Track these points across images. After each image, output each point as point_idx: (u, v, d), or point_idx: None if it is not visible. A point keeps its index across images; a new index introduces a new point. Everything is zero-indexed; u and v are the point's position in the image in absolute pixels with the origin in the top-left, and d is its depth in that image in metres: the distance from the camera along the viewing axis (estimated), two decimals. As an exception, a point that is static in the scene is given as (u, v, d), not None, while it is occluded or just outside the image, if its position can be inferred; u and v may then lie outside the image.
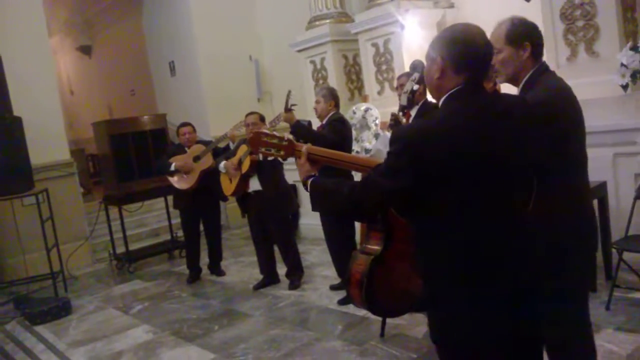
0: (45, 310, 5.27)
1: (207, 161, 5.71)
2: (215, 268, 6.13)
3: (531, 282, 1.77)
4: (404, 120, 3.69)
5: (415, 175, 1.66)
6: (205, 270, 6.15)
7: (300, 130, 4.57)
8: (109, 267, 7.18)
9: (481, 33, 1.76)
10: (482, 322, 1.70)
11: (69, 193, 7.18)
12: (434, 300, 1.81)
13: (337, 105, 4.76)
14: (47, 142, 6.92)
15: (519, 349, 1.77)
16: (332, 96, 4.73)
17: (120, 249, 7.04)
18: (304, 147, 2.17)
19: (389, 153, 1.76)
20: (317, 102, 4.77)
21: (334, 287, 4.97)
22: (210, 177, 5.69)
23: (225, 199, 5.99)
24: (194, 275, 6.02)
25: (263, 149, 2.24)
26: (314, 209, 2.06)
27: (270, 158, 2.23)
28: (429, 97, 4.33)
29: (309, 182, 2.05)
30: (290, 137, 2.30)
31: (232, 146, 5.62)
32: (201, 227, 6.13)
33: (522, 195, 1.78)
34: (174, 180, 5.79)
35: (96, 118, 9.97)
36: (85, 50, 13.25)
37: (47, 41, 7.45)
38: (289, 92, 4.75)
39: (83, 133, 12.40)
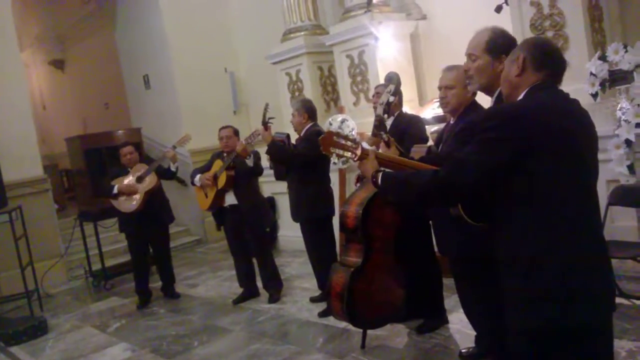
0: (21, 330, 5.15)
1: (152, 181, 5.51)
2: (169, 290, 5.90)
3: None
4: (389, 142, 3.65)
5: (514, 149, 1.75)
6: (157, 293, 5.93)
7: (275, 151, 4.59)
8: (85, 284, 7.07)
9: (556, 45, 2.03)
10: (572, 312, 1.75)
11: (43, 210, 7.05)
12: (521, 295, 1.82)
13: (311, 118, 4.72)
14: (20, 158, 6.81)
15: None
16: (304, 109, 4.70)
17: (97, 266, 6.92)
18: (371, 149, 2.30)
19: (481, 131, 1.83)
20: (292, 115, 4.78)
21: (314, 299, 4.96)
22: (155, 198, 5.59)
23: (171, 220, 5.93)
24: (144, 300, 5.75)
25: (336, 150, 2.28)
26: (387, 198, 2.18)
27: (342, 160, 2.28)
28: (404, 109, 4.41)
29: (380, 174, 2.13)
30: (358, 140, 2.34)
31: (172, 167, 5.60)
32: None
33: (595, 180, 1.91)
34: (118, 204, 5.53)
35: (70, 133, 9.88)
36: (58, 64, 13.08)
37: (18, 55, 7.35)
38: (267, 105, 4.76)
39: (56, 148, 12.24)
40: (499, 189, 1.82)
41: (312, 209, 4.63)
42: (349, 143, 2.29)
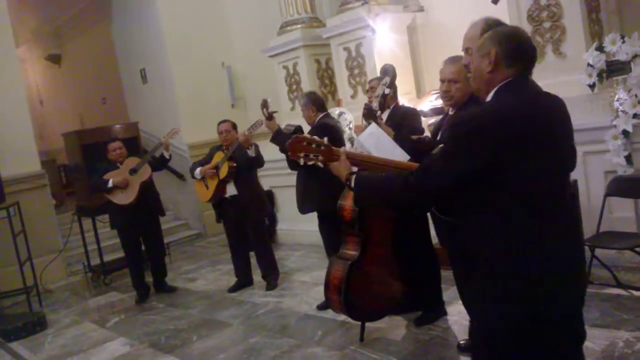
0: (20, 326, 5.15)
1: (146, 172, 5.55)
2: (162, 285, 5.90)
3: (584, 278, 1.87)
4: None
5: (482, 158, 1.72)
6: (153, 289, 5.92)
7: (280, 139, 4.59)
8: (84, 279, 7.05)
9: (527, 34, 1.95)
10: (542, 323, 1.72)
11: (41, 205, 7.04)
12: (486, 294, 1.80)
13: (320, 109, 4.66)
14: (17, 154, 6.80)
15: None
16: (311, 102, 4.65)
17: (95, 261, 6.93)
18: (342, 150, 2.23)
19: (451, 138, 1.82)
20: (302, 111, 4.76)
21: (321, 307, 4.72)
22: (148, 190, 5.61)
23: (162, 214, 5.93)
24: (144, 295, 5.74)
25: (303, 154, 2.23)
26: (359, 203, 2.09)
27: (310, 163, 2.24)
28: (400, 101, 4.39)
29: (353, 176, 2.09)
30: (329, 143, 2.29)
31: (166, 154, 5.67)
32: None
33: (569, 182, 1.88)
34: (114, 197, 5.49)
35: (67, 127, 9.86)
36: (55, 59, 13.02)
37: (14, 50, 7.32)
38: (265, 101, 4.75)
39: (54, 143, 12.21)
40: (468, 190, 1.79)
41: (319, 203, 4.57)
42: (315, 146, 2.23)
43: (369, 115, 3.62)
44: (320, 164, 2.25)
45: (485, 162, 1.71)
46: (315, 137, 2.24)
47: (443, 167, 1.79)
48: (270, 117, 4.67)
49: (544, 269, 1.72)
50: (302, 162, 2.21)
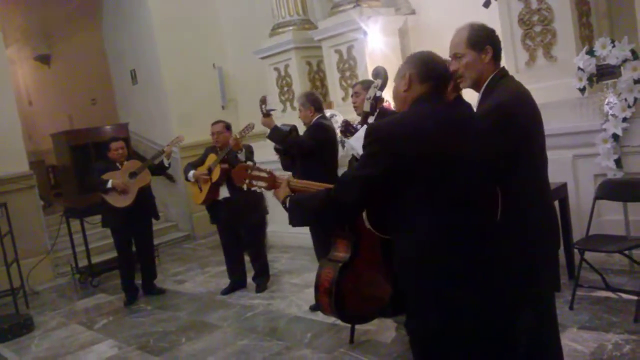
0: (6, 328, 5.10)
1: (145, 177, 5.55)
2: (151, 288, 5.87)
3: (501, 285, 1.89)
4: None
5: (387, 164, 1.82)
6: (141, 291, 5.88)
7: (277, 136, 4.57)
8: (72, 281, 6.99)
9: (440, 57, 2.07)
10: (450, 318, 1.83)
11: (29, 206, 6.97)
12: (406, 295, 1.95)
13: (317, 110, 4.64)
14: (5, 154, 6.74)
15: (487, 349, 1.89)
16: (310, 101, 4.64)
17: (83, 263, 6.87)
18: (285, 178, 2.39)
19: (363, 147, 1.92)
20: (299, 110, 4.73)
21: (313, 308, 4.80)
22: (145, 194, 5.60)
23: (157, 216, 5.92)
24: (132, 297, 5.71)
25: (247, 181, 2.41)
26: (292, 223, 2.16)
27: (254, 189, 2.39)
28: (391, 104, 4.38)
29: (288, 199, 2.21)
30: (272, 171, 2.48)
31: (166, 162, 5.66)
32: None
33: (487, 198, 1.93)
34: (110, 198, 5.46)
35: (56, 128, 9.79)
36: (44, 59, 12.91)
37: (3, 51, 7.26)
38: (263, 97, 4.74)
39: (43, 144, 12.11)
40: (385, 199, 1.88)
41: None
42: (262, 174, 2.40)
43: (347, 131, 3.71)
44: (261, 190, 2.42)
45: (388, 168, 1.82)
46: (260, 167, 2.44)
47: (355, 177, 1.93)
48: (267, 114, 4.65)
49: (459, 278, 1.83)
50: (245, 187, 2.43)
